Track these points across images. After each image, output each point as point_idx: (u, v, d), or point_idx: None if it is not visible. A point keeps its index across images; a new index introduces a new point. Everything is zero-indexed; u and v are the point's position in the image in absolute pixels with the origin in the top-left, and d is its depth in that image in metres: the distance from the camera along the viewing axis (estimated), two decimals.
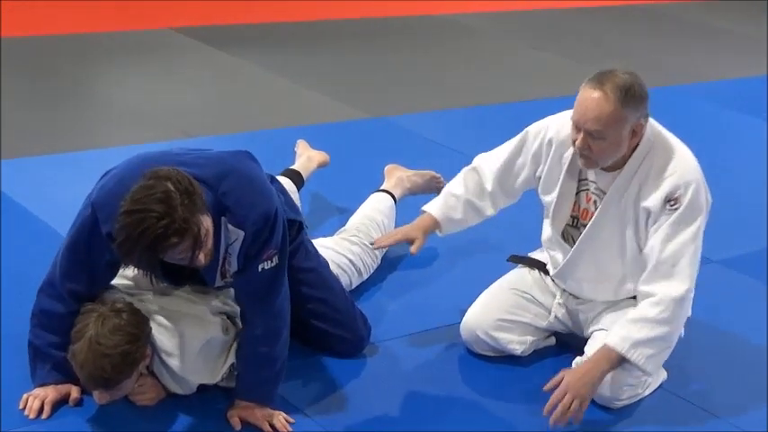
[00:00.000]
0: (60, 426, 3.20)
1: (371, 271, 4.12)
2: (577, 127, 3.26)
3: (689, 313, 3.44)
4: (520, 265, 3.82)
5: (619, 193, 3.35)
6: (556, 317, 3.69)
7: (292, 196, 3.88)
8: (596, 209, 3.41)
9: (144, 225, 2.85)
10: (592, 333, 3.57)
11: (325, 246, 3.96)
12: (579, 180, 3.47)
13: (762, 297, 4.37)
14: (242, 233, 3.12)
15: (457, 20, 9.32)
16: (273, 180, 3.49)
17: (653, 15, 10.31)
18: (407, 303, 4.08)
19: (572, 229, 3.52)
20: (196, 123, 5.88)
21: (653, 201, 3.29)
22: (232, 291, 3.42)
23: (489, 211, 3.73)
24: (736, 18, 10.39)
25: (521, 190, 3.70)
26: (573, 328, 3.73)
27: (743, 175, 5.86)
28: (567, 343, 3.79)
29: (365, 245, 4.06)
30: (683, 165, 3.32)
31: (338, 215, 4.74)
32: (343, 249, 4.01)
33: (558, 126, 3.50)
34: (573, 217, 3.51)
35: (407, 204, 4.42)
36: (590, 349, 3.44)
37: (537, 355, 3.75)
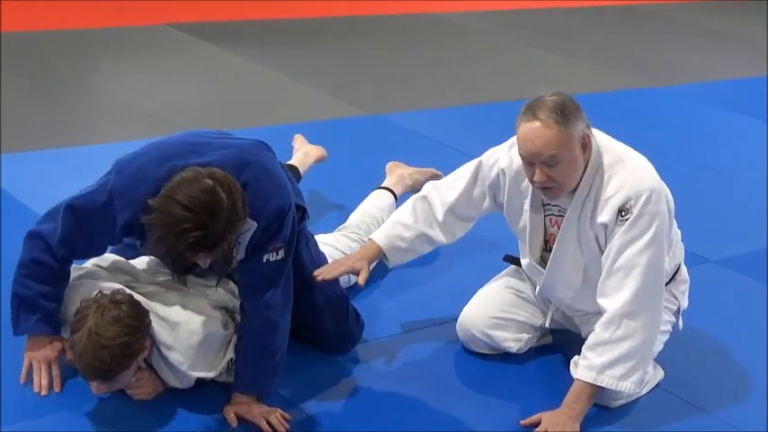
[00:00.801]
0: (57, 421, 3.20)
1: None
2: (530, 162, 3.25)
3: (657, 319, 3.38)
4: (515, 264, 3.80)
5: (576, 212, 3.34)
6: (552, 318, 3.68)
7: None
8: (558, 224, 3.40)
9: (181, 227, 2.89)
10: (588, 333, 3.56)
11: (325, 242, 3.95)
12: (543, 206, 3.45)
13: (760, 297, 4.36)
14: (255, 225, 3.14)
15: (454, 18, 9.31)
16: (282, 166, 3.48)
17: (651, 16, 10.30)
18: (404, 301, 4.08)
19: (546, 254, 3.51)
20: (193, 120, 5.86)
21: (607, 216, 3.27)
22: (232, 285, 3.41)
23: (443, 239, 3.65)
24: (736, 20, 10.39)
25: (483, 215, 3.66)
26: (569, 327, 3.72)
27: (742, 175, 5.85)
28: (564, 341, 3.78)
29: (363, 241, 4.03)
30: (634, 176, 3.29)
31: (335, 211, 4.73)
32: (342, 246, 4.00)
33: (507, 158, 3.47)
34: (545, 241, 3.51)
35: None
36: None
37: (533, 353, 3.75)
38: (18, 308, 3.31)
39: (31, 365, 3.33)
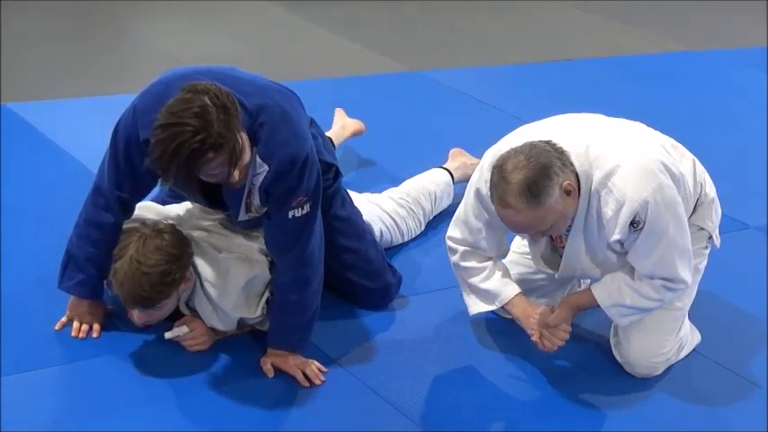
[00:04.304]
0: (92, 366, 3.25)
1: (413, 235, 4.13)
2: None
3: (684, 303, 3.42)
4: None
5: (579, 227, 3.24)
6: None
7: None
8: (566, 233, 3.34)
9: (179, 139, 2.83)
10: None
11: (372, 201, 3.96)
12: None
13: None
14: (266, 168, 3.09)
15: None
16: (313, 123, 3.46)
17: None
18: (442, 256, 4.06)
19: (551, 252, 3.47)
20: None
21: (619, 234, 3.15)
22: None
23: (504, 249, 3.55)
24: None
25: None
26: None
27: None
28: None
29: (411, 209, 4.07)
30: (632, 182, 3.11)
31: (370, 166, 4.74)
32: (389, 208, 4.01)
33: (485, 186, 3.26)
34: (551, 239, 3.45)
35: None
36: (623, 334, 3.44)
37: None
38: (66, 263, 3.34)
39: (70, 321, 3.38)
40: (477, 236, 3.37)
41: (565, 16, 8.16)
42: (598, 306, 3.33)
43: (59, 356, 3.28)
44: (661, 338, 3.41)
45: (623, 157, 3.14)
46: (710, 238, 3.52)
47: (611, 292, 3.30)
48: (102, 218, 3.24)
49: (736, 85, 6.67)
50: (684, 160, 3.38)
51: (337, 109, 4.80)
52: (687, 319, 3.52)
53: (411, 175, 4.32)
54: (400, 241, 4.06)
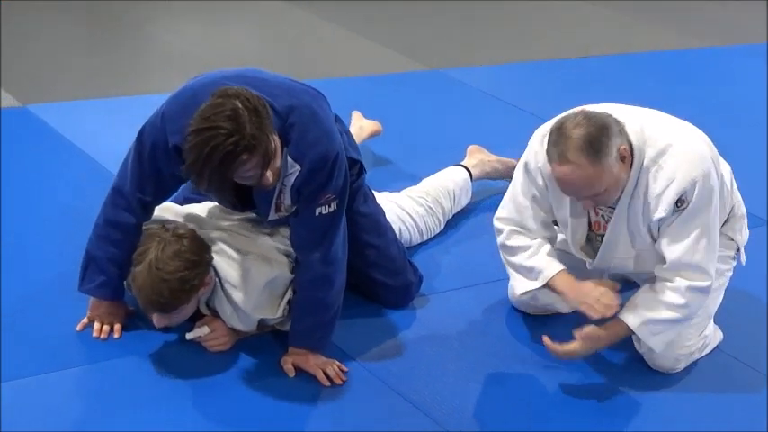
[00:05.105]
0: (108, 367, 3.26)
1: (432, 234, 4.12)
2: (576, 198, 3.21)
3: (709, 307, 3.42)
4: None
5: (623, 208, 3.26)
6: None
7: None
8: (606, 221, 3.34)
9: (213, 142, 2.86)
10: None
11: (391, 199, 3.96)
12: None
13: None
14: (298, 168, 3.12)
15: None
16: (338, 120, 3.47)
17: None
18: (462, 254, 4.08)
19: (586, 242, 3.46)
20: None
21: (663, 211, 3.18)
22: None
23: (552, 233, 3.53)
24: None
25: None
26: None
27: None
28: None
29: (430, 208, 4.07)
30: (683, 165, 3.17)
31: (389, 164, 4.73)
32: (408, 207, 4.01)
33: (540, 158, 3.29)
34: (589, 225, 3.44)
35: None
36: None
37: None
38: (86, 265, 3.34)
39: (91, 322, 3.39)
40: (524, 213, 3.38)
41: (580, 13, 8.14)
42: (618, 339, 3.33)
43: (80, 357, 3.29)
44: (685, 332, 3.39)
45: (676, 139, 3.21)
46: (738, 250, 3.53)
47: (637, 311, 3.28)
48: (122, 218, 3.25)
49: (756, 80, 6.64)
50: (723, 165, 3.40)
51: (354, 112, 4.80)
52: (711, 320, 3.52)
53: (429, 174, 4.32)
54: (419, 240, 4.06)
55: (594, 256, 3.42)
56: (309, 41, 6.80)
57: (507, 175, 4.46)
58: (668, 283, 3.25)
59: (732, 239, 3.51)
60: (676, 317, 3.27)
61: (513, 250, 3.43)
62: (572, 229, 3.41)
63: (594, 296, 3.27)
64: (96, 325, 3.37)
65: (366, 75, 6.02)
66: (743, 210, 3.56)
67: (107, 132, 4.86)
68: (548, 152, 3.13)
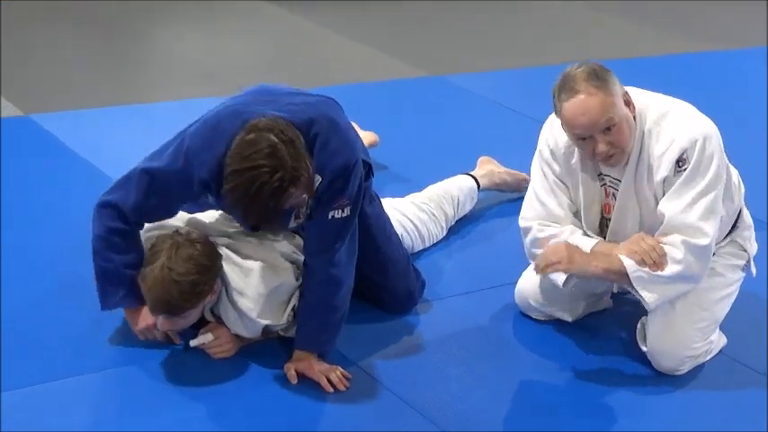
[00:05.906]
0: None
1: (435, 240, 4.12)
2: (589, 135, 3.21)
3: (717, 313, 3.44)
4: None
5: (630, 178, 3.30)
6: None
7: None
8: (616, 200, 3.36)
9: (259, 181, 2.92)
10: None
11: (393, 205, 3.96)
12: (598, 176, 3.41)
13: None
14: (320, 179, 3.15)
15: None
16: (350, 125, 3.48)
17: None
18: (465, 260, 4.08)
19: (603, 222, 3.48)
20: (255, 79, 5.81)
21: (665, 171, 3.24)
22: (298, 239, 3.43)
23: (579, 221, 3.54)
24: None
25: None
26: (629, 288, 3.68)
27: None
28: (624, 302, 3.77)
29: (433, 214, 4.07)
30: (683, 125, 3.27)
31: (390, 169, 4.73)
32: (410, 213, 4.01)
33: (551, 140, 3.41)
34: (601, 210, 3.46)
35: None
36: (651, 319, 3.42)
37: (594, 318, 3.72)
38: (103, 282, 3.33)
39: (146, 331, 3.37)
40: (549, 204, 3.42)
41: (584, 18, 8.15)
42: (606, 274, 3.33)
43: (81, 366, 3.29)
44: (691, 334, 3.39)
45: (677, 105, 3.34)
46: (748, 261, 3.54)
47: (635, 258, 3.29)
48: (119, 225, 3.26)
49: (762, 84, 6.63)
50: (731, 168, 3.43)
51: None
52: (718, 326, 3.52)
53: (431, 181, 4.31)
54: (421, 246, 4.06)
55: (605, 236, 3.44)
56: (310, 49, 6.80)
57: (516, 188, 4.48)
58: (664, 239, 3.27)
59: (744, 249, 3.52)
60: (672, 271, 3.27)
61: (548, 240, 3.42)
62: (585, 212, 3.44)
63: (645, 248, 3.28)
64: (146, 332, 3.34)
65: (367, 82, 6.02)
66: (749, 220, 3.57)
67: (109, 141, 4.87)
68: (557, 95, 3.22)
